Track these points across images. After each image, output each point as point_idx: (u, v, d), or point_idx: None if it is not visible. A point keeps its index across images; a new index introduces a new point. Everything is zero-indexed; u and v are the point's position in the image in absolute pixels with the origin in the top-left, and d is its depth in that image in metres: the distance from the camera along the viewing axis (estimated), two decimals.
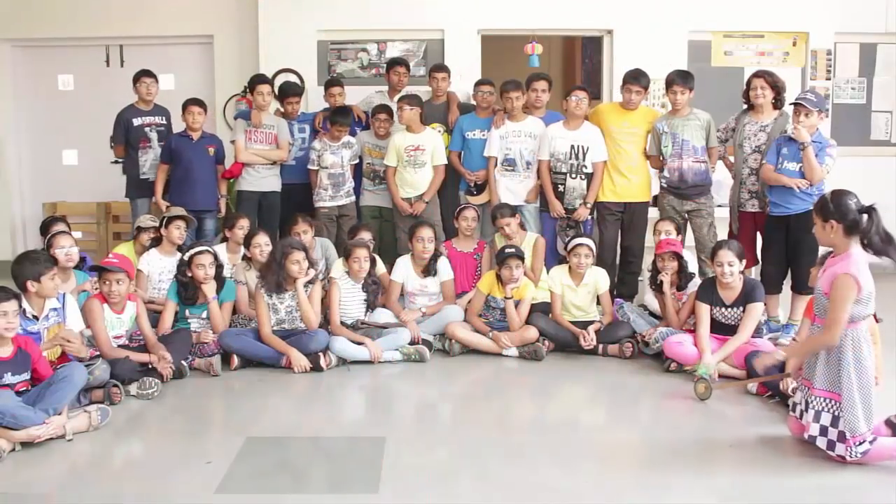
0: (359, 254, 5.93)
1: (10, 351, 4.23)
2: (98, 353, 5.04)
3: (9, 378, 4.20)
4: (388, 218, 7.24)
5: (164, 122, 7.41)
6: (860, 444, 3.82)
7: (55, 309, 4.82)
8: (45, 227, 6.30)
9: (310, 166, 7.10)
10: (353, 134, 7.20)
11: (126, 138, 7.33)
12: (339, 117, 6.99)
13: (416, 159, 6.90)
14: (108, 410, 4.49)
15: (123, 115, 7.35)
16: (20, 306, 4.42)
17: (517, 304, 5.93)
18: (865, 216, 3.84)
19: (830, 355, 3.91)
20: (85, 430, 4.31)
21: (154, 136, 7.24)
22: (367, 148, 7.18)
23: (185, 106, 6.99)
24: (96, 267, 5.26)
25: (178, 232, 6.19)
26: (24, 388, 4.28)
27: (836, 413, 3.86)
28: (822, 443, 3.89)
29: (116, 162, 9.07)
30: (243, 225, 6.49)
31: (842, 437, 3.83)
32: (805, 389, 4.05)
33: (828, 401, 3.90)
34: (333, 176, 7.01)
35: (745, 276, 5.41)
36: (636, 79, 6.61)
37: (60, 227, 6.15)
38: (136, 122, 7.27)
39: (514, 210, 6.45)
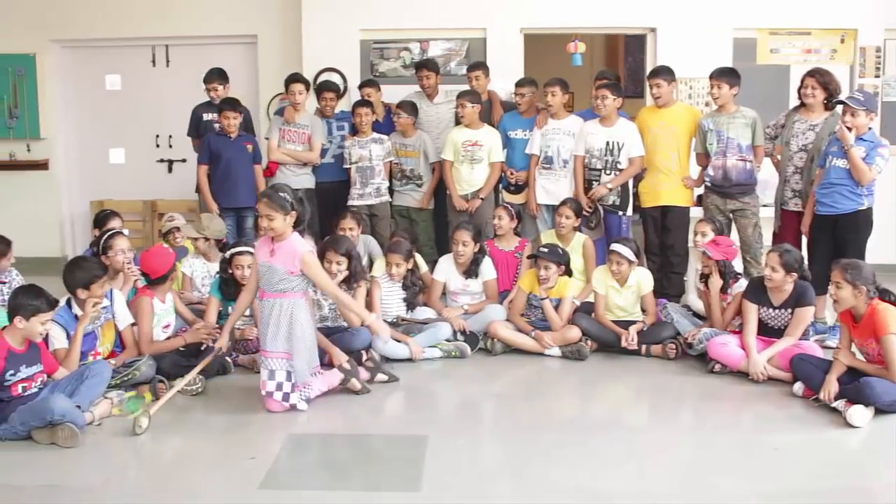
0: (391, 259, 5.98)
1: (23, 345, 4.33)
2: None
3: (24, 370, 4.30)
4: (416, 218, 7.26)
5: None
6: (307, 388, 4.71)
7: (104, 307, 4.91)
8: (100, 221, 6.33)
9: (345, 165, 7.16)
10: (378, 132, 7.20)
11: (197, 132, 7.44)
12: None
13: (473, 155, 6.91)
14: (122, 394, 4.65)
15: (197, 109, 7.45)
16: (70, 307, 4.74)
17: (558, 304, 5.91)
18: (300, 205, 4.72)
19: (281, 323, 4.62)
20: (108, 416, 4.45)
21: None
22: (394, 147, 7.20)
23: (220, 110, 7.04)
24: (155, 280, 5.31)
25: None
26: (41, 379, 4.40)
27: (290, 368, 4.62)
28: (279, 396, 4.61)
29: (161, 160, 9.27)
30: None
31: (294, 387, 4.63)
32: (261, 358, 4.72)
33: (281, 360, 4.62)
34: (361, 170, 7.04)
35: (798, 279, 5.30)
36: (655, 73, 6.69)
37: (116, 222, 6.23)
38: (206, 116, 7.36)
39: (579, 210, 6.45)
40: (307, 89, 7.34)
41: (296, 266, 4.60)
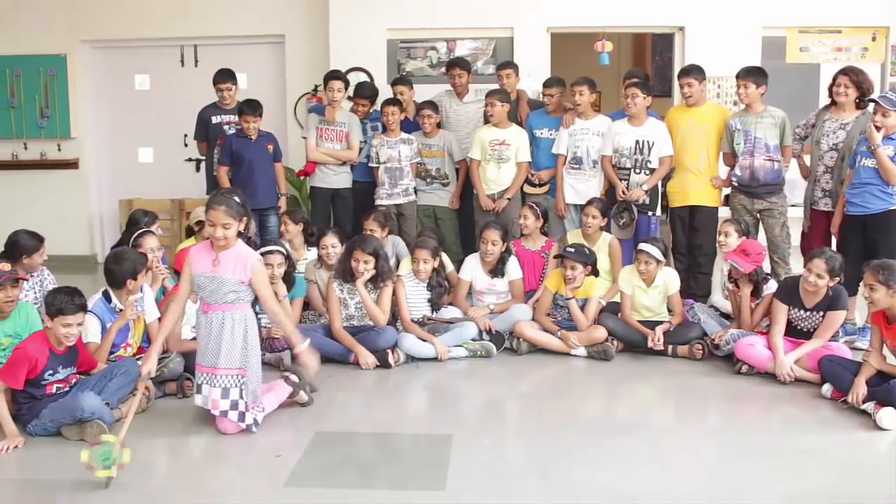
0: (419, 255, 5.98)
1: (63, 346, 4.38)
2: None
3: (61, 371, 4.37)
4: (442, 217, 7.27)
5: None
6: (259, 409, 4.37)
7: (138, 299, 4.97)
8: (136, 221, 6.31)
9: (370, 164, 7.17)
10: (407, 131, 7.22)
11: (206, 136, 7.47)
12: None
13: (501, 154, 6.90)
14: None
15: (203, 113, 7.48)
16: (109, 300, 4.87)
17: (584, 304, 5.90)
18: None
19: (236, 337, 4.26)
20: (138, 411, 4.41)
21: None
22: (418, 148, 7.21)
23: (241, 112, 7.01)
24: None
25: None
26: (75, 381, 4.48)
27: (242, 386, 4.27)
28: (234, 416, 4.27)
29: (189, 160, 9.34)
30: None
31: (248, 405, 4.30)
32: (204, 375, 4.30)
33: (236, 377, 4.27)
34: (390, 170, 7.06)
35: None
36: (686, 72, 6.63)
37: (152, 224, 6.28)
38: (215, 119, 7.38)
39: (605, 210, 6.42)
40: (346, 87, 7.36)
41: (247, 275, 4.25)
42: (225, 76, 7.37)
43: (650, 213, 6.65)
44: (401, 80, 7.64)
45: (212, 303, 4.27)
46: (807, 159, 6.53)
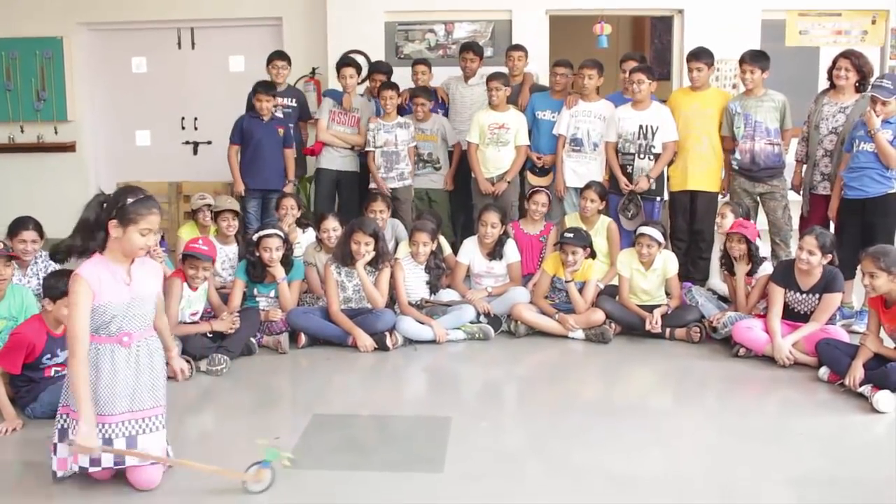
0: (418, 238, 5.97)
1: (62, 329, 4.36)
2: None
3: (60, 354, 4.36)
4: (435, 199, 7.27)
5: (294, 103, 7.53)
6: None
7: None
8: None
9: (367, 148, 7.14)
10: (401, 115, 7.20)
11: None
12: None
13: (500, 137, 6.88)
14: None
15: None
16: None
17: (582, 286, 5.89)
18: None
19: (159, 368, 3.56)
20: None
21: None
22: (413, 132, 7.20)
23: (255, 91, 7.04)
24: (187, 255, 5.31)
25: (225, 223, 6.21)
26: None
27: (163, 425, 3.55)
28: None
29: (187, 143, 9.29)
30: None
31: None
32: (137, 423, 3.47)
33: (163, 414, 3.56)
34: (386, 154, 7.04)
35: (826, 265, 5.20)
36: (696, 56, 6.56)
37: None
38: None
39: (604, 193, 6.41)
40: (358, 73, 7.34)
41: (159, 283, 3.66)
42: (280, 55, 7.48)
43: (657, 199, 6.63)
44: (422, 60, 7.61)
45: (134, 331, 3.46)
46: (794, 143, 6.52)
